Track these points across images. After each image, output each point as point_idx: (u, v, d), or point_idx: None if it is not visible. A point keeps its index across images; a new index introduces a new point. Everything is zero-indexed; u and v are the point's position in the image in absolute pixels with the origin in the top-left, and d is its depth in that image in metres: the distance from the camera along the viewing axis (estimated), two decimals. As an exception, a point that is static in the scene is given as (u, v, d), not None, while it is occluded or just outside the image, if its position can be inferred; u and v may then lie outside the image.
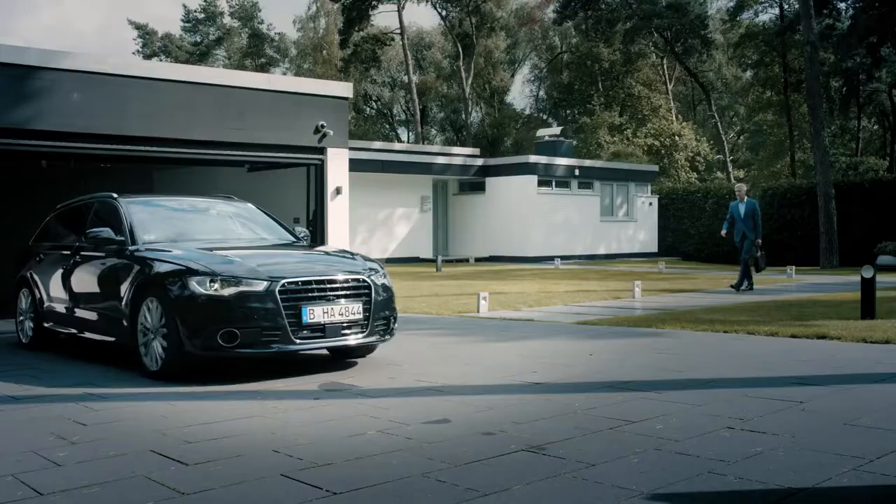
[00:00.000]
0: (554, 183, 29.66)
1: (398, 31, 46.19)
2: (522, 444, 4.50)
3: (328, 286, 6.80)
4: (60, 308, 8.39)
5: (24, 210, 13.95)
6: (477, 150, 33.85)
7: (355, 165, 16.78)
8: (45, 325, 8.71)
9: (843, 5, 36.01)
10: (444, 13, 50.30)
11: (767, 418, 4.98)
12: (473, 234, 30.21)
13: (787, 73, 41.73)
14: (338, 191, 13.51)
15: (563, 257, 28.04)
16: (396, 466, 4.12)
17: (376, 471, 4.05)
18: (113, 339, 7.49)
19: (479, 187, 30.27)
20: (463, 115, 54.75)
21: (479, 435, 4.74)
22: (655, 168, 34.73)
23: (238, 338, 6.38)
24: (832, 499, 3.58)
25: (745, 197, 15.57)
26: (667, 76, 50.86)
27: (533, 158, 29.64)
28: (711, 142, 47.81)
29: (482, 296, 12.00)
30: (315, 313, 6.63)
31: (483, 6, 50.15)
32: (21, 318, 9.26)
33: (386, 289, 7.28)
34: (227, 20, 62.26)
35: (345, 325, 6.80)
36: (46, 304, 8.69)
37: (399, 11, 44.92)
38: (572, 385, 6.16)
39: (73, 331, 8.21)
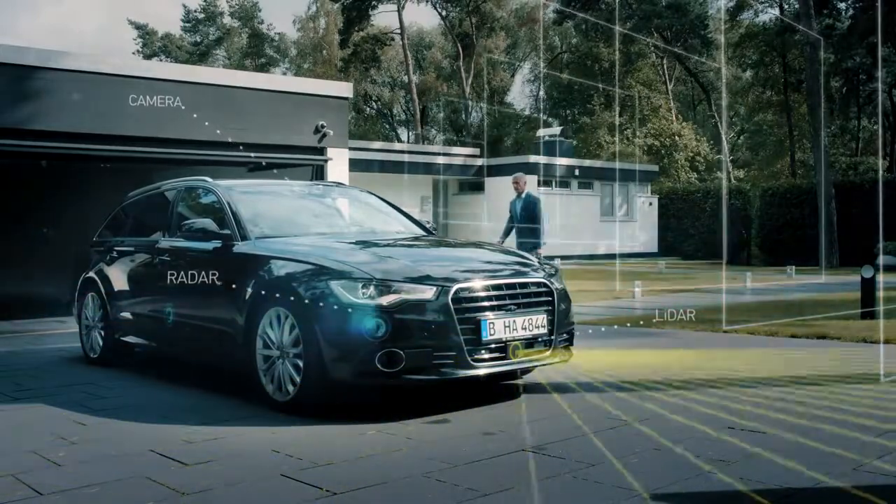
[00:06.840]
0: (554, 183, 29.66)
1: (398, 31, 46.19)
2: (522, 444, 4.50)
3: (507, 293, 5.46)
4: (142, 318, 7.04)
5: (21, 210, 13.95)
6: (477, 150, 33.86)
7: (355, 165, 16.79)
8: (120, 337, 7.32)
9: (843, 5, 36.03)
10: (444, 13, 50.31)
11: (767, 418, 4.98)
12: (473, 234, 30.18)
13: (787, 73, 41.74)
14: (338, 191, 13.50)
15: (563, 257, 28.02)
16: (396, 466, 4.12)
17: (376, 471, 4.05)
18: (220, 359, 6.21)
19: (479, 187, 30.27)
20: (463, 115, 54.74)
21: (478, 435, 4.74)
22: (655, 168, 34.74)
23: (403, 361, 5.05)
24: (832, 499, 3.58)
25: (525, 191, 11.76)
26: (667, 76, 50.85)
27: (533, 158, 29.65)
28: (711, 142, 47.80)
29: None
30: (496, 328, 5.29)
31: (483, 6, 50.15)
32: (87, 326, 7.79)
33: (566, 296, 5.94)
34: (227, 20, 62.23)
35: (528, 341, 5.49)
36: (122, 311, 7.28)
37: (399, 11, 44.92)
38: (572, 385, 6.16)
39: (162, 346, 6.97)
